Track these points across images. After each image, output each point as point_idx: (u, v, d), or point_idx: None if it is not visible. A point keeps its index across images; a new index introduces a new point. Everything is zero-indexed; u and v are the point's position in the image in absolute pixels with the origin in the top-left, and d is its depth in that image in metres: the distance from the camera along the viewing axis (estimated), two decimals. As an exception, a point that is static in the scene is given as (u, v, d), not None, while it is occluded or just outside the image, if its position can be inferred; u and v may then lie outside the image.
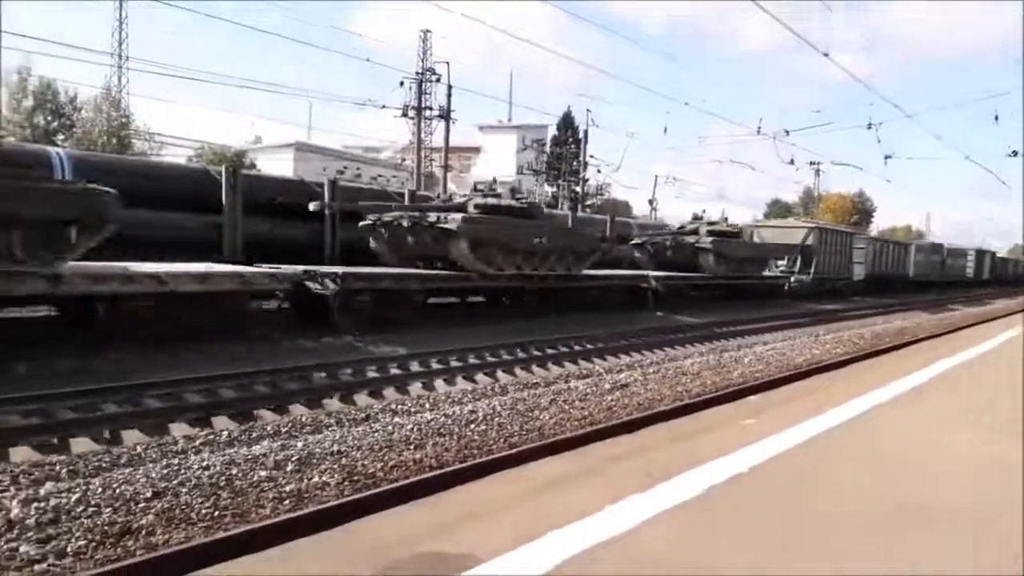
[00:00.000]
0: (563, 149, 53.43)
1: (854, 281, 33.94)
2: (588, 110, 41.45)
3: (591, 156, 43.43)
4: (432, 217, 14.94)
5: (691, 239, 24.17)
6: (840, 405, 6.55)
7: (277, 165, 37.80)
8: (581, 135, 44.93)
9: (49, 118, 34.35)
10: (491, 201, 16.40)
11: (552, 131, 56.74)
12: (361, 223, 15.43)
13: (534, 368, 11.35)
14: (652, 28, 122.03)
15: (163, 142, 37.70)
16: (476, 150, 67.27)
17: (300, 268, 12.32)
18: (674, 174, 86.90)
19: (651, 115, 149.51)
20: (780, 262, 29.79)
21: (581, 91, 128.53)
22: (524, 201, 17.33)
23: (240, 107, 79.60)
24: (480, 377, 10.45)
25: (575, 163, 47.99)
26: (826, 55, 19.64)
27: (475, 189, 17.09)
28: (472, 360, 11.13)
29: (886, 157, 33.46)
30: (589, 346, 13.30)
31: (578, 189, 45.50)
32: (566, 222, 23.34)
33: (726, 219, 26.74)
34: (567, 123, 53.80)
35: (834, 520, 3.75)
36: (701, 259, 23.93)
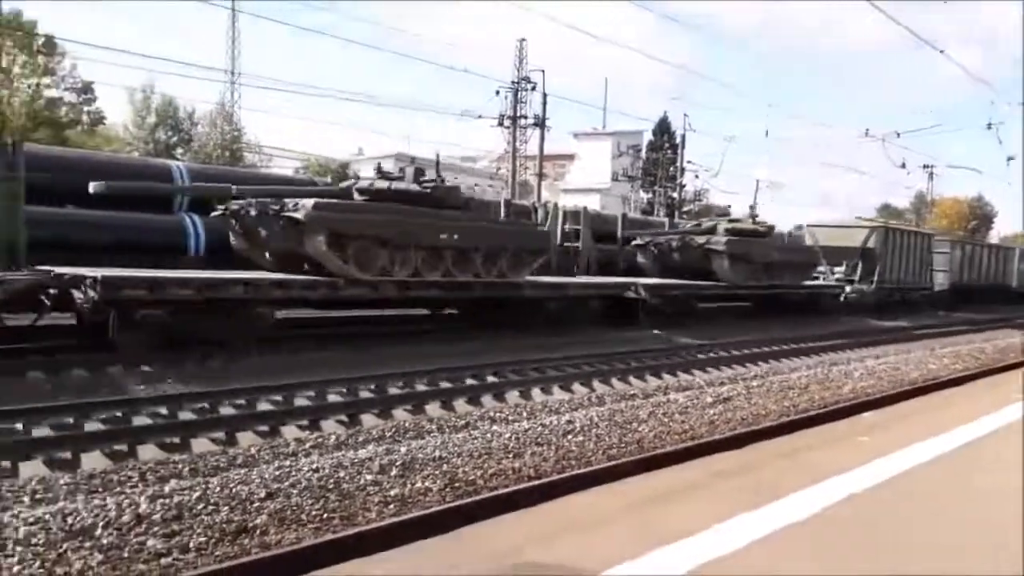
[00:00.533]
0: (659, 155, 52.69)
1: (935, 292, 29.32)
2: (685, 115, 40.66)
3: (688, 161, 42.65)
4: (285, 204, 11.40)
5: (700, 239, 19.71)
6: (965, 423, 6.16)
7: (378, 175, 38.87)
8: (678, 140, 44.24)
9: (169, 133, 36.67)
10: (378, 184, 12.78)
11: (648, 136, 56.14)
12: (213, 213, 12.24)
13: (631, 379, 11.22)
14: (748, 28, 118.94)
15: (271, 154, 39.60)
16: (571, 157, 67.22)
17: (53, 270, 9.06)
18: (776, 178, 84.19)
19: (751, 118, 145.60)
20: (838, 268, 25.39)
21: (677, 95, 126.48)
22: (428, 185, 13.07)
23: (343, 119, 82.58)
24: (577, 387, 10.42)
25: (671, 169, 47.22)
26: (942, 52, 18.69)
27: (377, 170, 13.51)
28: (569, 369, 11.12)
29: (1008, 159, 31.47)
30: (689, 357, 13.07)
31: (675, 195, 44.72)
32: (509, 216, 17.76)
33: (754, 216, 22.70)
34: (663, 128, 53.04)
35: (954, 550, 3.52)
36: (714, 264, 19.41)
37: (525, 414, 8.46)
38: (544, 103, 34.36)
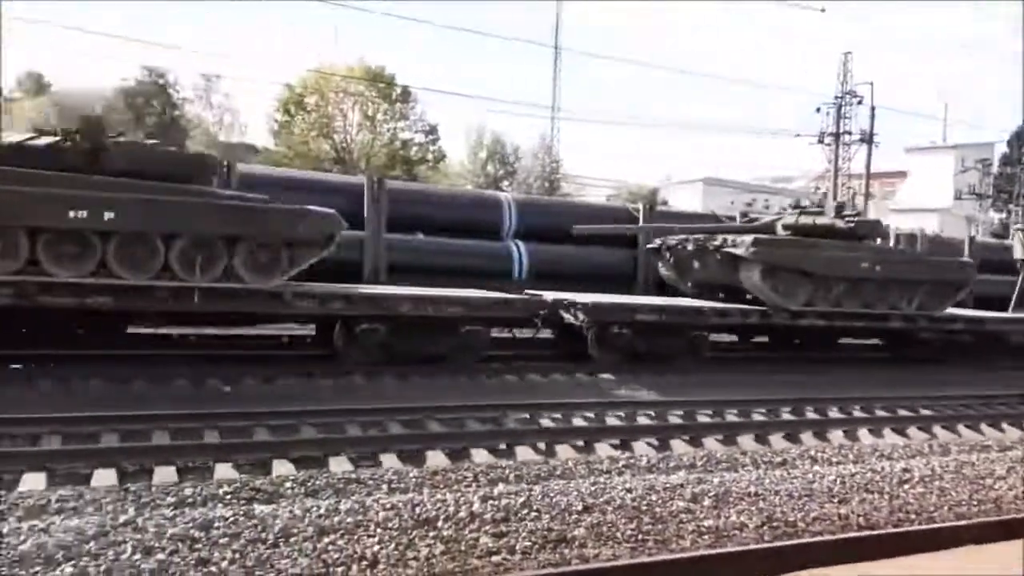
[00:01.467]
0: (1016, 169, 45.34)
1: None
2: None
3: (1056, 175, 36.04)
4: None
5: (719, 240, 13.16)
6: None
7: (686, 200, 38.88)
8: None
9: (498, 167, 40.32)
10: None
11: (1001, 149, 48.61)
12: None
13: (983, 427, 9.73)
14: None
15: (585, 183, 41.62)
16: (901, 174, 60.83)
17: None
18: None
19: None
20: None
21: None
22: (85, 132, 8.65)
23: (655, 147, 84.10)
24: (913, 431, 9.32)
25: (1033, 184, 40.29)
26: None
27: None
28: (903, 412, 10.01)
29: None
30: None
31: (1036, 215, 38.02)
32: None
33: (842, 205, 15.46)
34: (1022, 139, 45.59)
35: None
36: (742, 275, 12.90)
37: (851, 456, 7.75)
38: (872, 117, 31.66)
